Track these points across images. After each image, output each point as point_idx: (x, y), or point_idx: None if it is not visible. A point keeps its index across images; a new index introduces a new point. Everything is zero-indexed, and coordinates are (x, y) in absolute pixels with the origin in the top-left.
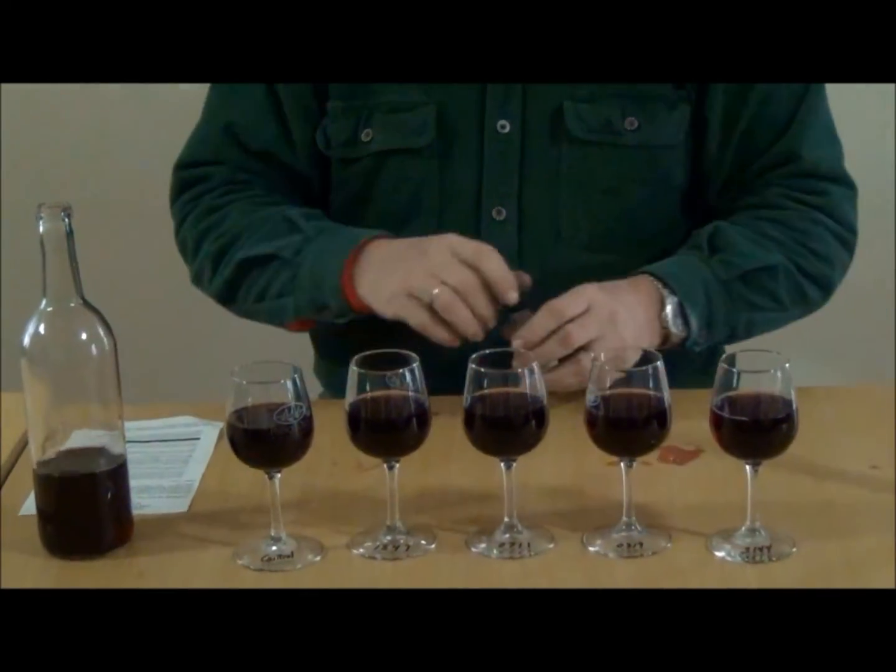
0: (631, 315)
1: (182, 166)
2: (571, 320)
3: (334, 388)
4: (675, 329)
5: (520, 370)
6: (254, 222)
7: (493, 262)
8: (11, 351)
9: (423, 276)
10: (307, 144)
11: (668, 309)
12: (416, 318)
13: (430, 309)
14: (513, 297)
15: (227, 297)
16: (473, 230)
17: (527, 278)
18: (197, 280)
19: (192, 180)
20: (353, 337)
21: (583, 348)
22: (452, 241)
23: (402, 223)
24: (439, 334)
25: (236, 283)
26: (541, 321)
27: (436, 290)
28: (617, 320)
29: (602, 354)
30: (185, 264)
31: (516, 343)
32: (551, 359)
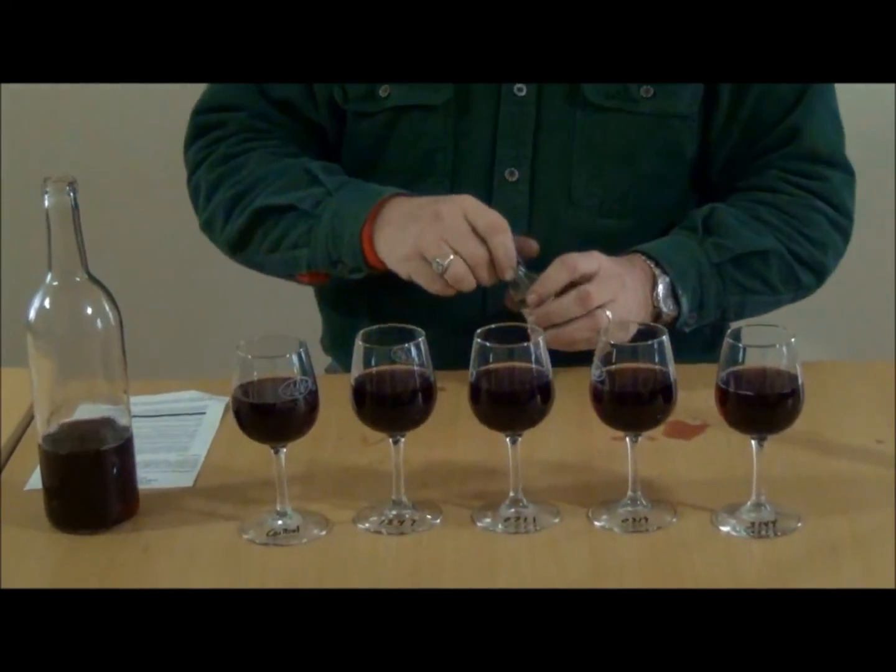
0: (633, 286)
1: (200, 111)
2: (585, 279)
3: (340, 362)
4: (666, 308)
5: (525, 344)
6: (272, 172)
7: (503, 239)
8: (15, 326)
9: (435, 241)
10: (326, 96)
11: (660, 288)
12: (428, 284)
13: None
14: (510, 275)
15: (239, 245)
16: (485, 190)
17: (534, 245)
18: (207, 227)
19: (209, 126)
20: (360, 307)
21: (598, 308)
22: (467, 206)
23: (415, 180)
24: (446, 293)
25: (250, 231)
26: (554, 274)
27: (448, 260)
28: (625, 286)
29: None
30: (195, 212)
31: (531, 297)
32: (567, 318)
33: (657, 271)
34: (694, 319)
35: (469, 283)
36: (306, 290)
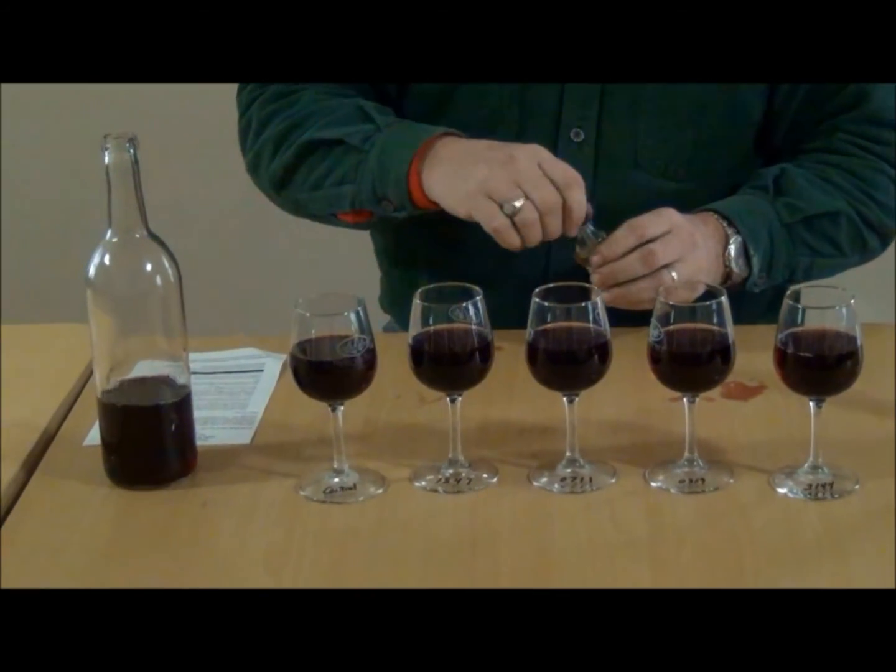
0: (705, 245)
1: None
2: (653, 240)
3: (398, 321)
4: (737, 268)
5: (584, 304)
6: (325, 108)
7: (579, 194)
8: (76, 283)
9: (507, 182)
10: None
11: (732, 248)
12: (494, 222)
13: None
14: (579, 231)
15: (283, 181)
16: (550, 150)
17: (590, 210)
18: (253, 167)
19: None
20: (419, 264)
21: (663, 267)
22: (543, 155)
23: (479, 137)
24: (511, 240)
25: (296, 165)
26: (621, 238)
27: (519, 203)
28: (696, 245)
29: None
30: (242, 154)
31: (595, 259)
32: (631, 277)
33: (729, 230)
34: (763, 281)
35: (536, 232)
36: (366, 247)
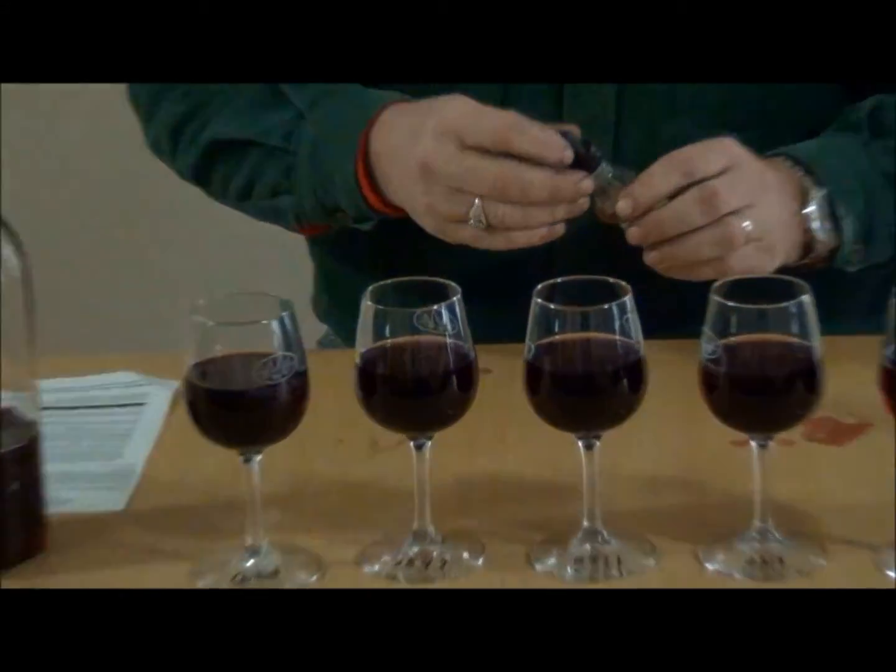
0: (780, 192)
1: None
2: (705, 180)
3: (340, 332)
4: (822, 235)
5: (607, 305)
6: (223, 87)
7: (523, 138)
8: None
9: (444, 198)
10: None
11: (813, 206)
12: (464, 239)
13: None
14: (568, 156)
15: (200, 183)
16: (554, 98)
17: (575, 131)
18: (156, 149)
19: None
20: (370, 253)
21: (730, 213)
22: (457, 127)
23: None
24: (499, 244)
25: (207, 170)
26: (660, 174)
27: (472, 214)
28: (768, 188)
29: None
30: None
31: (621, 205)
32: (685, 227)
33: (808, 182)
34: (860, 255)
35: (514, 218)
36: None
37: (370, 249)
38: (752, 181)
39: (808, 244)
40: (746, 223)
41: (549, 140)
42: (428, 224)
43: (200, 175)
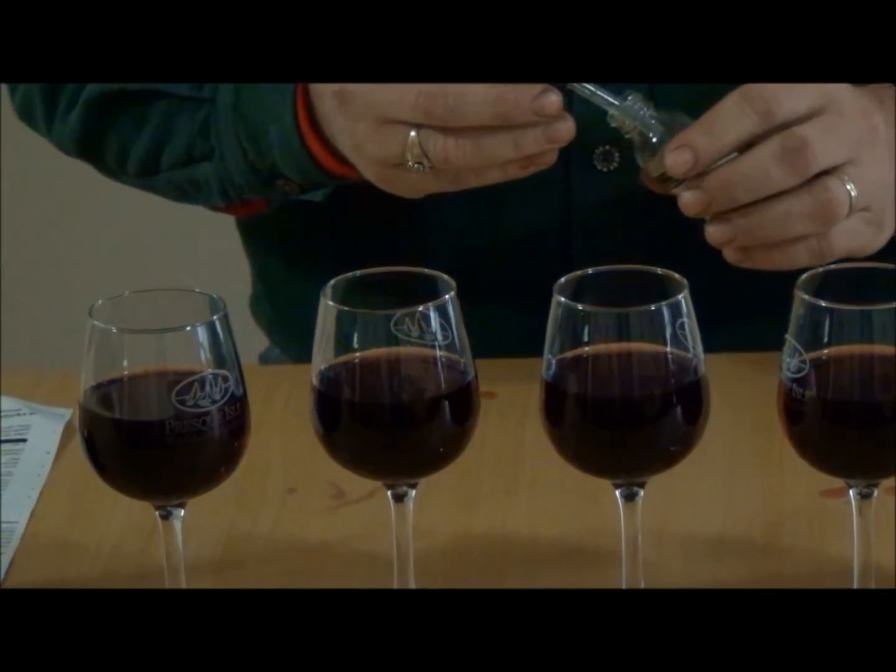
0: (889, 137)
1: None
2: (790, 125)
3: (290, 341)
4: None
5: (652, 307)
6: None
7: (474, 104)
8: None
9: (370, 132)
10: None
11: None
12: (412, 189)
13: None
14: (551, 102)
15: (87, 153)
16: None
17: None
18: (25, 114)
19: None
20: (327, 239)
21: (824, 174)
22: (402, 106)
23: None
24: (448, 186)
25: (96, 134)
26: (730, 113)
27: (408, 152)
28: (876, 138)
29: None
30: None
31: (675, 158)
32: (764, 192)
33: None
34: None
35: (476, 151)
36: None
37: (325, 234)
38: (855, 128)
39: None
40: (850, 186)
41: (512, 94)
42: (370, 175)
43: (87, 145)
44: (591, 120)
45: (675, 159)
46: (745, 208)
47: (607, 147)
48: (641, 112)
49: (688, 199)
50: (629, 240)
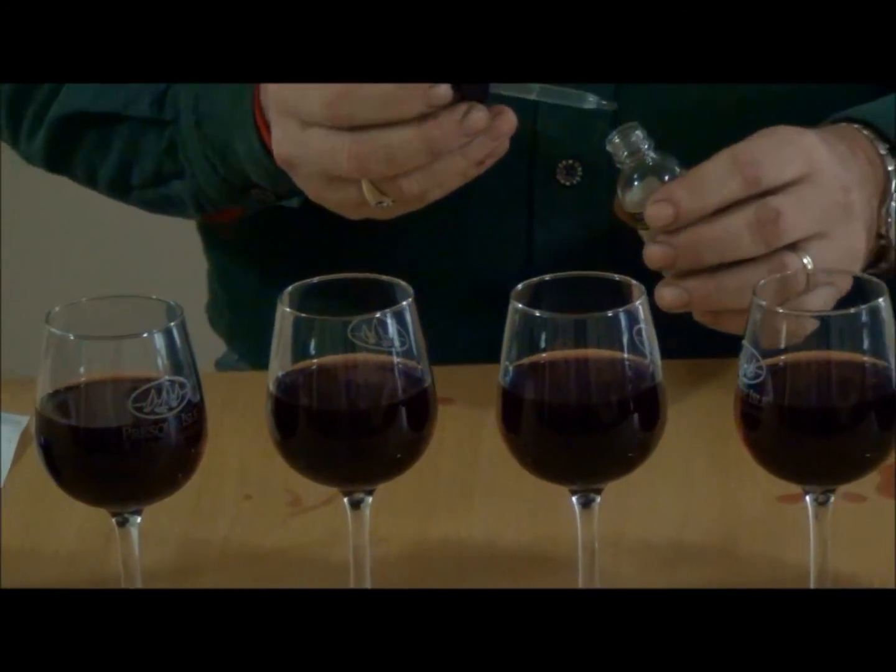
0: (863, 204)
1: None
2: (773, 191)
3: (247, 348)
4: None
5: (609, 314)
6: None
7: (359, 99)
8: None
9: (324, 186)
10: None
11: None
12: (384, 216)
13: None
14: (478, 118)
15: (57, 170)
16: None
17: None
18: None
19: None
20: (286, 243)
21: (789, 247)
22: (291, 104)
23: None
24: (417, 206)
25: (62, 154)
26: (716, 174)
27: (368, 198)
28: (852, 210)
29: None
30: None
31: (657, 210)
32: (729, 258)
33: (892, 162)
34: None
35: (432, 178)
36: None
37: (289, 241)
38: (831, 202)
39: (881, 251)
40: (807, 260)
41: (400, 91)
42: (340, 212)
43: (56, 164)
44: (554, 134)
45: (657, 212)
46: (704, 274)
47: (570, 161)
48: (640, 147)
49: (655, 254)
50: (591, 255)
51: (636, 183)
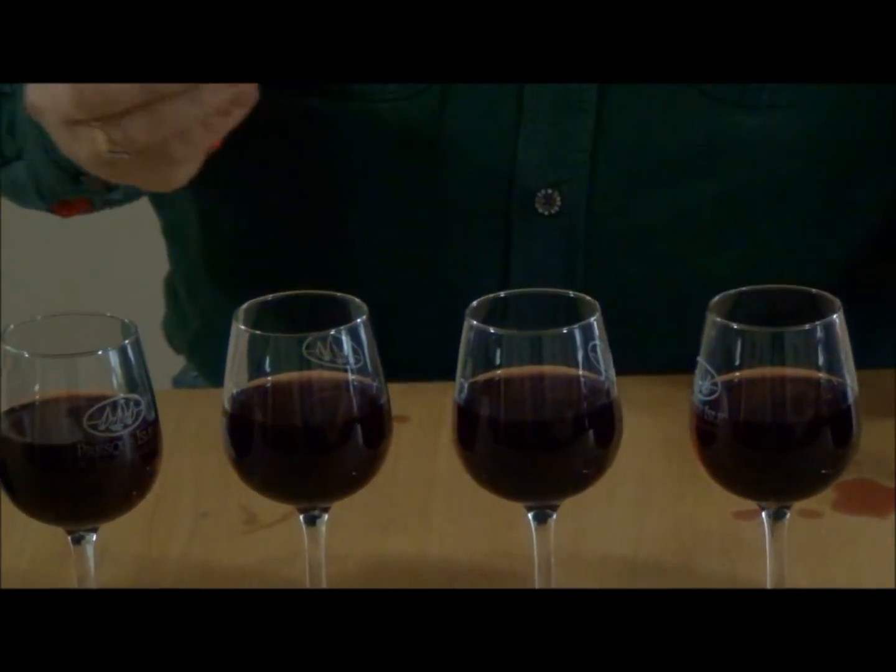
0: None
1: None
2: None
3: (204, 365)
4: None
5: (564, 330)
6: None
7: (120, 90)
8: None
9: (68, 136)
10: None
11: None
12: (138, 180)
13: None
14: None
15: None
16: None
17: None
18: None
19: None
20: (250, 270)
21: None
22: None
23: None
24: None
25: None
26: None
27: (101, 146)
28: None
29: None
30: None
31: None
32: None
33: None
34: None
35: (157, 123)
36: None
37: (256, 257)
38: None
39: None
40: None
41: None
42: (92, 169)
43: None
44: (533, 163)
45: None
46: None
47: (549, 191)
48: None
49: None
50: (567, 285)
51: None
